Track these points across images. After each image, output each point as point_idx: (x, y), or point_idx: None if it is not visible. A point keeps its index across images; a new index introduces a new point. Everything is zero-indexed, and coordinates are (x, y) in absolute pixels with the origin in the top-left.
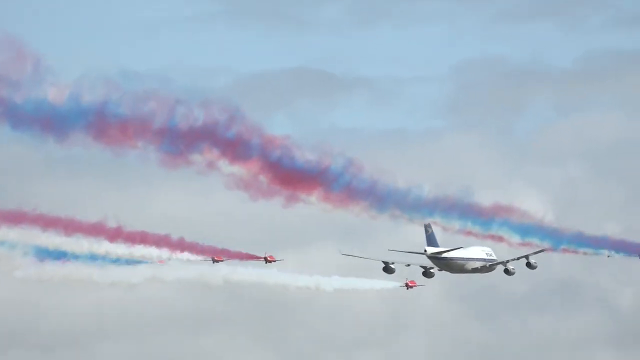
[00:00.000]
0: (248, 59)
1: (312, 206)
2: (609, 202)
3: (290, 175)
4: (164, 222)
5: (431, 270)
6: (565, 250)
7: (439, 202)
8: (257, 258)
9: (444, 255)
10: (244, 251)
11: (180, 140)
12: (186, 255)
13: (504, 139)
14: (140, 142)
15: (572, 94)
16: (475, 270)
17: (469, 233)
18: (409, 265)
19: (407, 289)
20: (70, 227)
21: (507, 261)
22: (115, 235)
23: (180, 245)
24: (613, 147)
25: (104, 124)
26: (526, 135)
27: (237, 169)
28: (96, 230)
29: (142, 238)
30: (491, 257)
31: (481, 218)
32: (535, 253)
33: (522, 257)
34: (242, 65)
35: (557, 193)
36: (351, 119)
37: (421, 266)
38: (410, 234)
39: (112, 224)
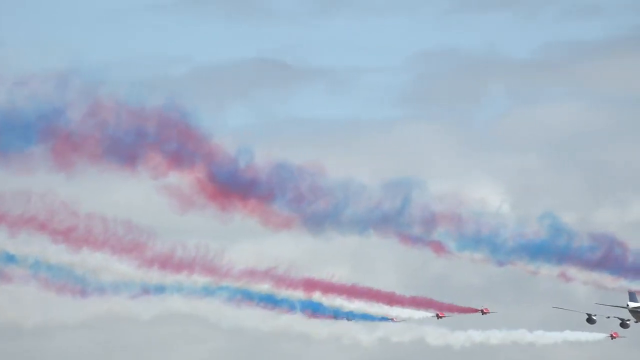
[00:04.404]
0: (205, 49)
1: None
2: (565, 193)
3: (229, 190)
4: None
5: (627, 322)
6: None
7: (376, 214)
8: (475, 311)
9: None
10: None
11: (127, 149)
12: (407, 310)
13: (461, 129)
14: (86, 152)
15: (528, 84)
16: None
17: (407, 239)
18: (609, 317)
19: (612, 339)
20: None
21: None
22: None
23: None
24: (569, 137)
25: (51, 134)
26: (483, 125)
27: (179, 179)
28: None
29: (352, 291)
30: None
31: (423, 225)
32: None
33: None
34: (199, 55)
35: (514, 183)
36: (309, 109)
37: (619, 318)
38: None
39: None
